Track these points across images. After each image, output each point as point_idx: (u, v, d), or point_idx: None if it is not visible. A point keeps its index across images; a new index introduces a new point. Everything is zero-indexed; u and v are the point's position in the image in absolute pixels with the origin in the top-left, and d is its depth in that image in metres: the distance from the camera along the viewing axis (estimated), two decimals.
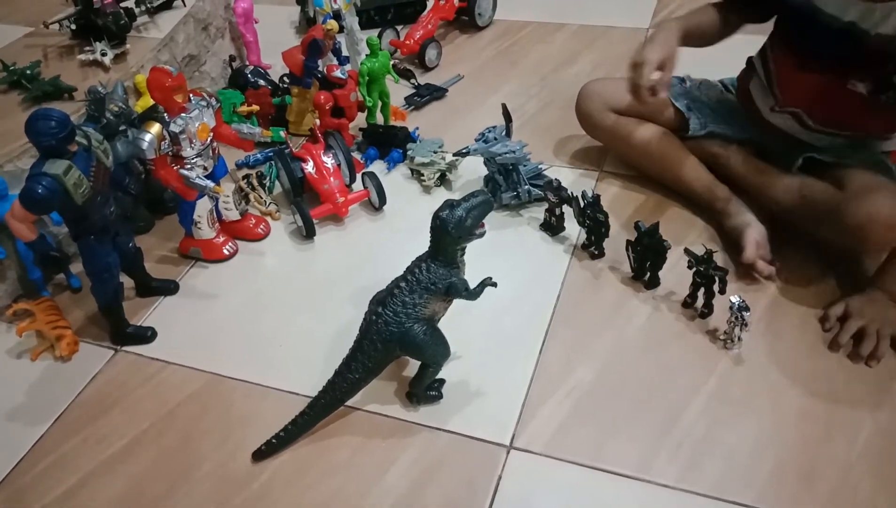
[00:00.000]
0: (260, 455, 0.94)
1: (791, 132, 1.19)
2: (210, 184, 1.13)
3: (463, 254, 0.94)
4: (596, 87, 1.35)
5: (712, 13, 1.22)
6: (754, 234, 1.13)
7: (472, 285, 0.93)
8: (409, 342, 0.92)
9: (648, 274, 1.13)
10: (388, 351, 0.93)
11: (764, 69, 1.22)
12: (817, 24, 1.06)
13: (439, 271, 0.91)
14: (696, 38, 1.20)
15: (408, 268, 0.93)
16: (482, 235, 0.92)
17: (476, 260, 0.95)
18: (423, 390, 0.97)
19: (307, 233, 1.28)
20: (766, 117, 1.22)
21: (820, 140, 1.16)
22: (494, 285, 0.93)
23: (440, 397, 0.98)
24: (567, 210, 1.23)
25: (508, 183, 1.30)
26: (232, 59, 1.72)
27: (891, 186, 1.02)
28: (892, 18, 0.98)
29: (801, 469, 0.88)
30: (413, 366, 1.02)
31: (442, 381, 1.00)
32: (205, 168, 1.16)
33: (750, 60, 1.27)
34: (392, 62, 1.53)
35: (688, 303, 1.09)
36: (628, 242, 1.13)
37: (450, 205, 0.90)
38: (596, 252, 1.20)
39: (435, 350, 0.93)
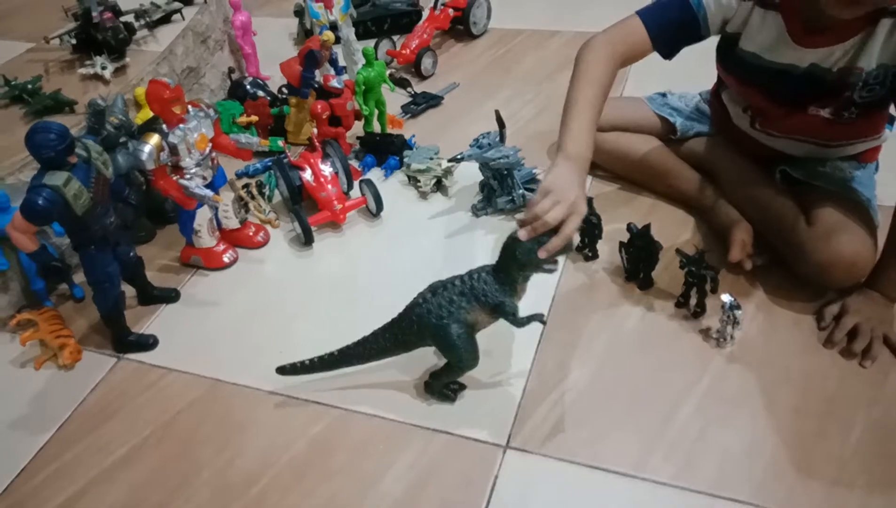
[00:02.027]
0: (283, 371, 1.02)
1: (760, 140, 1.21)
2: (209, 193, 1.15)
3: (526, 281, 0.93)
4: None
5: (600, 84, 1.09)
6: (741, 233, 1.13)
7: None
8: (441, 338, 0.93)
9: (642, 275, 1.14)
10: (420, 335, 0.95)
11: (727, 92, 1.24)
12: (772, 73, 1.07)
13: (494, 286, 0.91)
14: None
15: (471, 270, 0.94)
16: (551, 271, 0.91)
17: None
18: (441, 386, 0.98)
19: (306, 240, 1.30)
20: (737, 123, 1.24)
21: (788, 147, 1.18)
22: (544, 322, 0.93)
23: (453, 400, 0.99)
24: None
25: (503, 188, 1.31)
26: (231, 70, 1.74)
27: (853, 226, 1.04)
28: (850, 53, 1.00)
29: (796, 466, 0.88)
30: (411, 370, 1.03)
31: (462, 386, 1.01)
32: (204, 178, 1.18)
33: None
34: (388, 71, 1.55)
35: (681, 303, 1.10)
36: (621, 243, 1.14)
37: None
38: (589, 254, 1.21)
39: (462, 354, 0.93)
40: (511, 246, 0.89)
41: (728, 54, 1.13)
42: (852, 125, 1.08)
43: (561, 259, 0.91)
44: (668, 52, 1.13)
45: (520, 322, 0.91)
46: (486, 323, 0.95)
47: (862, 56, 0.99)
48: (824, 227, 1.04)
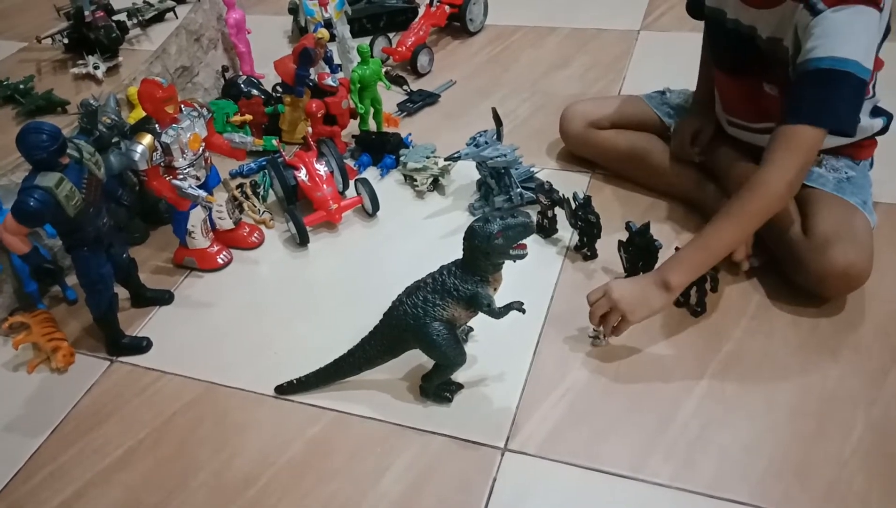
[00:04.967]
0: (281, 390, 1.03)
1: (742, 138, 1.22)
2: (202, 194, 1.14)
3: (496, 270, 0.92)
4: (578, 108, 1.38)
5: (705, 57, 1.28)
6: None
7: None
8: (422, 338, 0.92)
9: (641, 274, 1.13)
10: (402, 338, 0.95)
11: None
12: (725, 30, 1.11)
13: (465, 279, 0.90)
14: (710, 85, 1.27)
15: (442, 266, 0.93)
16: (521, 257, 0.89)
17: None
18: (435, 387, 0.98)
19: (301, 240, 1.29)
20: (722, 123, 1.26)
21: (763, 142, 1.17)
22: (523, 311, 0.91)
23: (450, 400, 0.99)
24: (559, 212, 1.24)
25: (500, 186, 1.30)
26: (225, 69, 1.73)
27: (847, 235, 1.03)
28: (776, 22, 1.02)
29: (795, 466, 0.88)
30: (407, 373, 1.02)
31: (459, 386, 1.00)
32: (197, 178, 1.17)
33: None
34: (384, 69, 1.54)
35: (681, 302, 1.09)
36: (620, 242, 1.14)
37: (486, 218, 0.88)
38: (588, 253, 1.20)
39: (445, 352, 0.93)
40: (470, 235, 0.89)
41: (709, 25, 1.19)
42: None
43: (530, 245, 0.90)
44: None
45: (496, 313, 0.91)
46: (464, 318, 0.94)
47: (781, 30, 1.02)
48: (819, 238, 1.04)
